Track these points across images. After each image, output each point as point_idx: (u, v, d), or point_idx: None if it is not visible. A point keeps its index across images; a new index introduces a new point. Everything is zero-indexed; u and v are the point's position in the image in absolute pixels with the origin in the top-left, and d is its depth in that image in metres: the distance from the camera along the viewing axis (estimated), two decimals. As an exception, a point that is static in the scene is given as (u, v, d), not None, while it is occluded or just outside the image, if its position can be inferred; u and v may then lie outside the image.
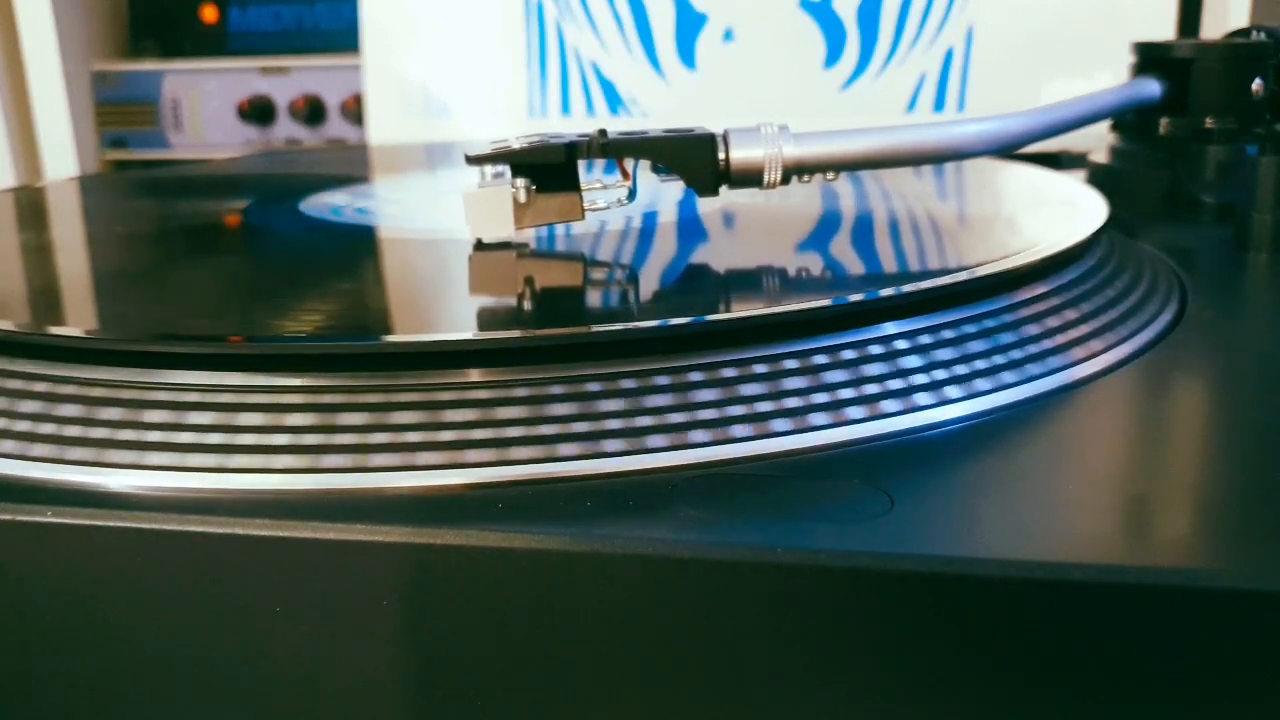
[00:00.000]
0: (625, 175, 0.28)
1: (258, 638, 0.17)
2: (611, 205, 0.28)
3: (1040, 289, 0.24)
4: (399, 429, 0.18)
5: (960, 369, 0.20)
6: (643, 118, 0.59)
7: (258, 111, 0.70)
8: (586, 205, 0.27)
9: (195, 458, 0.18)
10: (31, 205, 0.40)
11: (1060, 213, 0.32)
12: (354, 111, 0.68)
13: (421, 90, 0.62)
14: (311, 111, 0.69)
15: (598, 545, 0.15)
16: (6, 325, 0.21)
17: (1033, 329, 0.22)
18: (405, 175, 0.46)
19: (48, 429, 0.19)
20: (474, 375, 0.19)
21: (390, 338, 0.20)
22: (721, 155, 0.26)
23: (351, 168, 0.49)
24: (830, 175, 0.27)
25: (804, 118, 0.29)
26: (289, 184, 0.43)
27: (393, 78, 0.62)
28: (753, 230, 0.31)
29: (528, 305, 0.23)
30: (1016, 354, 0.21)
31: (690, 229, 0.30)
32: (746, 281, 0.25)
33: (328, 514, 0.16)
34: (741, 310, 0.21)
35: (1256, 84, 0.38)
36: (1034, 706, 0.15)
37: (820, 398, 0.19)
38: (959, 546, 0.15)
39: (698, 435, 0.18)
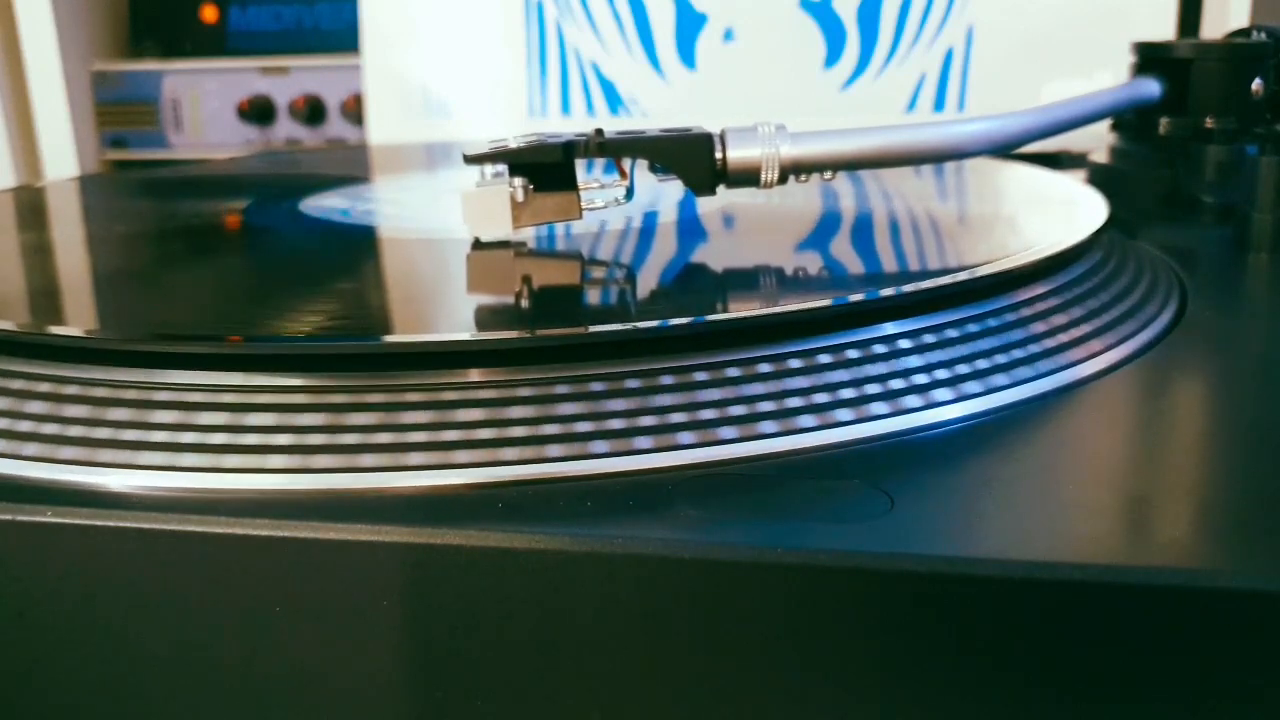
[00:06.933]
0: (623, 175, 0.28)
1: (258, 638, 0.17)
2: (609, 204, 0.28)
3: (1040, 289, 0.24)
4: (400, 429, 0.18)
5: (960, 369, 0.20)
6: (643, 118, 0.59)
7: (258, 111, 0.69)
8: (584, 205, 0.27)
9: (195, 457, 0.18)
10: (32, 205, 0.40)
11: (1060, 212, 0.32)
12: (354, 111, 0.68)
13: (421, 90, 0.62)
14: (311, 111, 0.69)
15: (598, 545, 0.15)
16: (7, 325, 0.21)
17: (1033, 329, 0.22)
18: (405, 175, 0.46)
19: (49, 429, 0.19)
20: (474, 375, 0.19)
21: (392, 338, 0.20)
22: (718, 155, 0.26)
23: (351, 168, 0.49)
24: (828, 175, 0.27)
25: (804, 118, 0.29)
26: (289, 184, 0.43)
27: (393, 78, 0.62)
28: (752, 230, 0.31)
29: (527, 305, 0.23)
30: (1017, 354, 0.21)
31: (690, 229, 0.30)
32: (746, 281, 0.25)
33: (328, 514, 0.16)
34: (741, 310, 0.21)
35: (1256, 84, 0.38)
36: (1034, 706, 0.15)
37: (821, 398, 0.19)
38: (959, 546, 0.15)
39: (698, 435, 0.18)
